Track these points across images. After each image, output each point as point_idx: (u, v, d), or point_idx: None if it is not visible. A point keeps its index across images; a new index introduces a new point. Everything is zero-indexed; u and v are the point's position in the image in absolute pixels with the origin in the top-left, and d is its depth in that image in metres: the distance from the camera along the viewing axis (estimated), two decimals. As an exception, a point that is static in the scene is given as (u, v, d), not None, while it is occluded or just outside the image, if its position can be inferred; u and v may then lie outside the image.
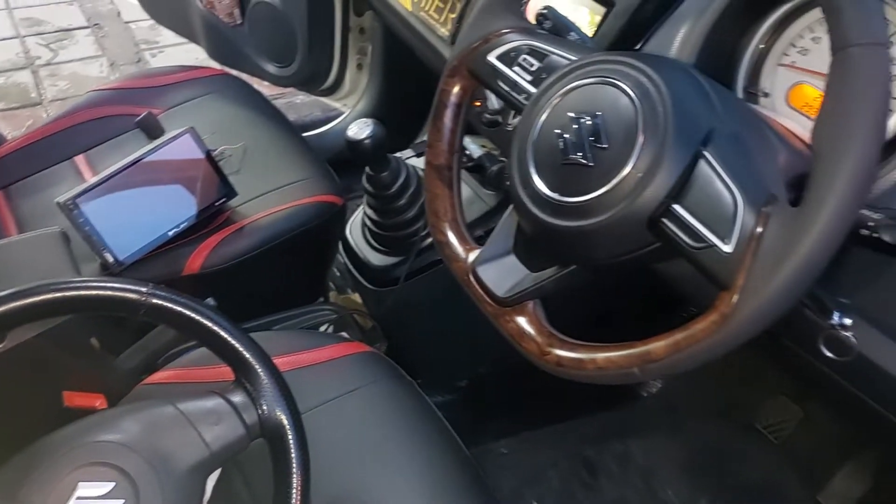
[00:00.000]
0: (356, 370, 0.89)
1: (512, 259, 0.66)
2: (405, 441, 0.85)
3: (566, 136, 0.60)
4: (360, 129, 0.94)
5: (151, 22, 2.20)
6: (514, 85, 0.68)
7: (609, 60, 0.61)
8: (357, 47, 1.82)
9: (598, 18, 0.89)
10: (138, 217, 1.04)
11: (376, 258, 1.05)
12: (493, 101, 0.97)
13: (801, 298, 0.54)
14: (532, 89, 0.67)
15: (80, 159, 1.27)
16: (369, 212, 1.03)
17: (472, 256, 0.69)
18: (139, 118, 1.21)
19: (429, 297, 1.07)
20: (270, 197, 1.15)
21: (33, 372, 0.82)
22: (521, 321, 0.64)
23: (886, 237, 0.54)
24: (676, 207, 0.55)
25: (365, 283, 1.06)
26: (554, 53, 0.67)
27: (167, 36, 2.51)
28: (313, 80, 1.84)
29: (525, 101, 0.67)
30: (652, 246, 0.57)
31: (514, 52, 0.69)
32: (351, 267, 1.08)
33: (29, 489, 0.61)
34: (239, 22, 1.81)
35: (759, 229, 0.50)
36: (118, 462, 0.63)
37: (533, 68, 0.68)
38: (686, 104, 0.57)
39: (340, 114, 1.99)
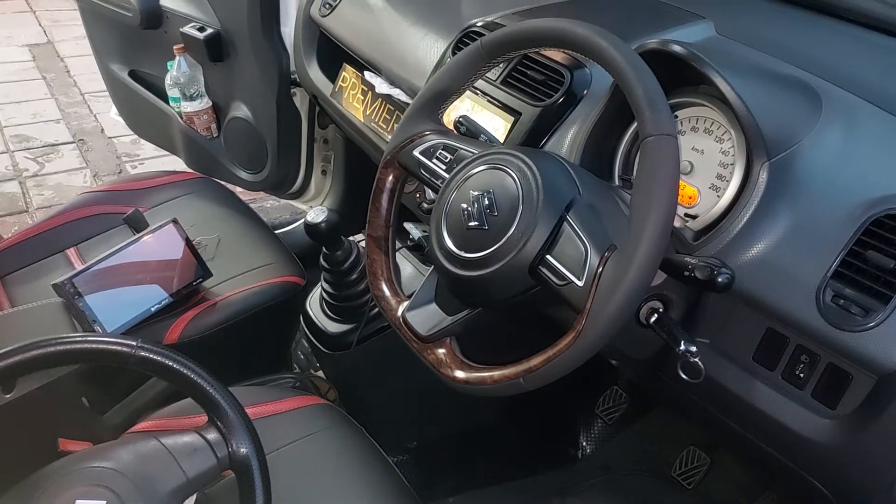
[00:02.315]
0: (312, 419, 1.04)
1: (433, 306, 0.84)
2: (356, 479, 0.99)
3: (469, 208, 0.79)
4: (317, 215, 1.13)
5: (132, 137, 2.42)
6: (434, 173, 0.88)
7: (500, 152, 0.82)
8: (322, 156, 2.03)
9: (507, 125, 1.11)
10: (125, 295, 1.20)
11: (332, 326, 1.21)
12: (429, 193, 1.17)
13: (660, 334, 0.72)
14: (446, 175, 0.87)
15: (71, 252, 1.43)
16: (326, 286, 1.20)
17: (402, 307, 0.87)
18: (127, 214, 1.38)
19: (378, 360, 1.22)
20: (241, 278, 1.32)
21: (34, 420, 0.95)
22: (440, 353, 0.81)
23: (699, 275, 0.73)
24: (548, 257, 0.73)
25: (322, 349, 1.22)
26: (462, 148, 0.88)
27: (147, 149, 2.72)
28: (282, 184, 2.04)
29: (440, 185, 0.86)
30: (534, 288, 0.75)
31: (432, 148, 0.90)
32: (309, 335, 1.24)
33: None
34: (215, 135, 2.03)
35: (600, 269, 0.69)
36: (110, 484, 0.77)
37: (447, 160, 0.88)
38: (553, 182, 0.77)
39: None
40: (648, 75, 0.71)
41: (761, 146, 0.83)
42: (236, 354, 1.29)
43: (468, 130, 0.97)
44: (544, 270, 0.74)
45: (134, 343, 0.84)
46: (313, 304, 1.25)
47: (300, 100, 1.88)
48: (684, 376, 0.80)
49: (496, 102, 1.12)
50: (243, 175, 2.02)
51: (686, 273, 0.74)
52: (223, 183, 1.71)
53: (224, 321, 1.24)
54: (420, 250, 1.17)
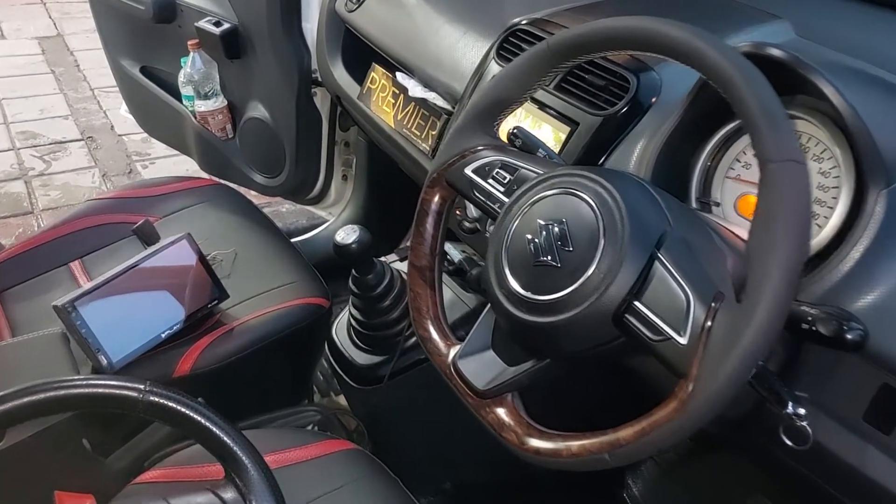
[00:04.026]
0: (341, 467, 0.92)
1: (490, 354, 0.72)
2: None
3: (536, 240, 0.67)
4: (347, 235, 1.01)
5: (143, 135, 2.32)
6: (489, 195, 0.76)
7: (571, 174, 0.69)
8: (342, 160, 1.92)
9: (562, 136, 0.98)
10: (133, 320, 1.08)
11: (361, 357, 1.09)
12: (472, 210, 1.05)
13: (760, 391, 0.60)
14: (505, 199, 0.74)
15: (75, 265, 1.31)
16: (355, 312, 1.08)
17: (453, 351, 0.75)
18: (136, 225, 1.27)
19: (412, 396, 1.10)
20: (259, 299, 1.20)
21: (27, 471, 0.84)
22: (501, 412, 0.69)
23: (822, 329, 0.60)
24: (637, 304, 0.61)
25: (350, 382, 1.10)
26: (523, 167, 0.75)
27: (158, 148, 2.62)
28: (300, 190, 1.94)
29: (499, 210, 0.74)
30: (618, 340, 0.63)
31: (488, 167, 0.77)
32: (336, 366, 1.12)
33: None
34: (230, 136, 1.92)
35: (709, 323, 0.57)
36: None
37: (505, 181, 0.76)
38: (640, 212, 0.64)
39: (325, 221, 2.07)
40: (765, 87, 0.59)
41: (879, 169, 0.70)
42: (254, 385, 1.18)
43: (524, 144, 0.85)
44: (632, 320, 0.61)
45: (142, 387, 0.73)
46: (340, 331, 1.13)
47: (321, 100, 1.77)
48: (788, 442, 0.67)
49: (549, 110, 1.00)
50: (259, 179, 1.91)
51: (805, 325, 0.61)
52: (239, 190, 1.60)
53: (242, 349, 1.12)
54: (461, 275, 1.05)
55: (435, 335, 0.77)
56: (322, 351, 1.24)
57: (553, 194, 0.69)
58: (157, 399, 0.73)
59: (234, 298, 1.19)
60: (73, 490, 0.87)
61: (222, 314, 1.17)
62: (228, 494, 0.74)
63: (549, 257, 0.65)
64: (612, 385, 0.88)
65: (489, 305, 0.74)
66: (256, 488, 0.74)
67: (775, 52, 0.75)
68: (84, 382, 0.72)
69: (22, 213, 2.39)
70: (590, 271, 0.63)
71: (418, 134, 1.24)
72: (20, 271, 1.31)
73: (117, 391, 0.73)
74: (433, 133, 1.21)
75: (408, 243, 1.20)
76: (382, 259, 1.09)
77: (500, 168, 0.76)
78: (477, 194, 0.77)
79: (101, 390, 0.72)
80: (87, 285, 1.08)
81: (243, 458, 0.75)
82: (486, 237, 1.02)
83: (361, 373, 1.08)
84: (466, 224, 1.04)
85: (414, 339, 1.06)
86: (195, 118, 1.88)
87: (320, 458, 0.93)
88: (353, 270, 1.05)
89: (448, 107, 1.20)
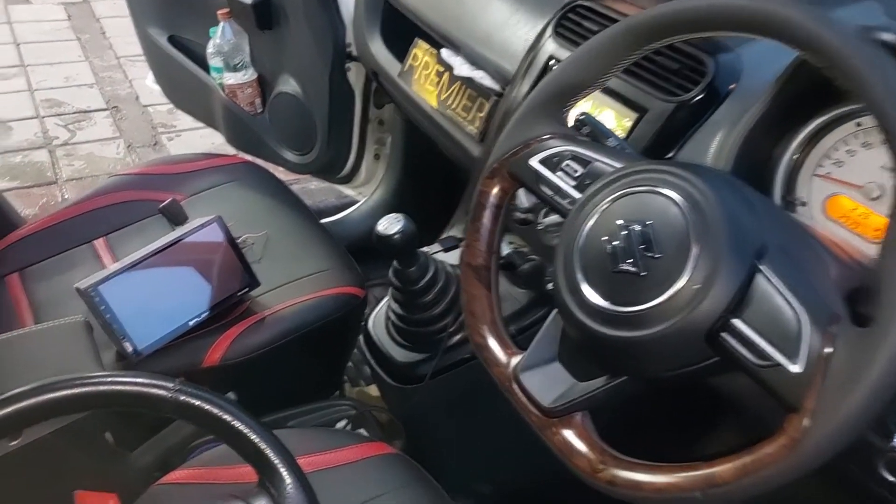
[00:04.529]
0: (382, 474, 0.86)
1: (557, 367, 0.64)
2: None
3: (615, 243, 0.59)
4: (390, 225, 0.94)
5: (169, 106, 2.26)
6: (558, 190, 0.68)
7: (655, 169, 0.61)
8: (375, 138, 1.85)
9: (627, 123, 0.90)
10: (160, 306, 1.02)
11: (400, 354, 1.02)
12: (523, 200, 0.97)
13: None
14: (576, 194, 0.67)
15: (99, 243, 1.26)
16: (395, 306, 1.02)
17: (514, 361, 0.67)
18: (163, 204, 1.21)
19: (454, 397, 1.04)
20: (292, 287, 1.14)
21: (46, 470, 0.78)
22: (569, 434, 0.61)
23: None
24: (736, 322, 0.53)
25: (387, 380, 1.03)
26: (598, 160, 0.67)
27: (184, 120, 2.56)
28: (331, 168, 1.87)
29: (569, 206, 0.66)
30: (710, 360, 0.56)
31: (556, 158, 0.69)
32: (373, 362, 1.05)
33: None
34: (259, 111, 1.85)
35: (828, 350, 0.49)
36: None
37: (577, 174, 0.68)
38: (737, 215, 0.56)
39: (355, 201, 2.00)
40: None
41: None
42: (285, 376, 1.11)
43: (592, 132, 0.77)
44: (730, 340, 0.54)
45: (171, 385, 0.66)
46: (377, 324, 1.07)
47: (355, 76, 1.69)
48: (890, 478, 0.60)
49: (614, 95, 0.92)
50: (289, 156, 1.84)
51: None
52: (270, 168, 1.53)
53: (274, 340, 1.06)
54: (511, 269, 0.98)
55: (493, 343, 0.70)
56: (355, 342, 1.18)
57: (635, 192, 0.61)
58: (187, 399, 0.67)
59: (265, 286, 1.12)
60: (94, 489, 0.82)
61: (252, 302, 1.11)
62: (261, 503, 0.67)
63: (631, 262, 0.58)
64: (693, 408, 0.81)
65: (555, 312, 0.66)
66: (291, 498, 0.68)
67: (888, 36, 0.67)
68: (109, 380, 0.66)
69: (45, 182, 2.34)
70: (681, 282, 0.55)
71: (464, 115, 1.16)
72: (43, 248, 1.26)
73: (145, 389, 0.67)
74: (480, 115, 1.13)
75: (451, 233, 1.13)
76: (425, 249, 1.01)
77: (570, 160, 0.68)
78: (543, 188, 0.69)
79: (127, 388, 0.66)
80: (111, 267, 1.02)
81: (279, 466, 0.68)
82: (540, 230, 0.94)
83: (401, 371, 1.01)
84: (518, 214, 0.96)
85: (457, 336, 0.99)
86: (223, 91, 1.81)
87: (359, 462, 0.86)
88: (395, 262, 0.98)
89: (497, 87, 1.12)
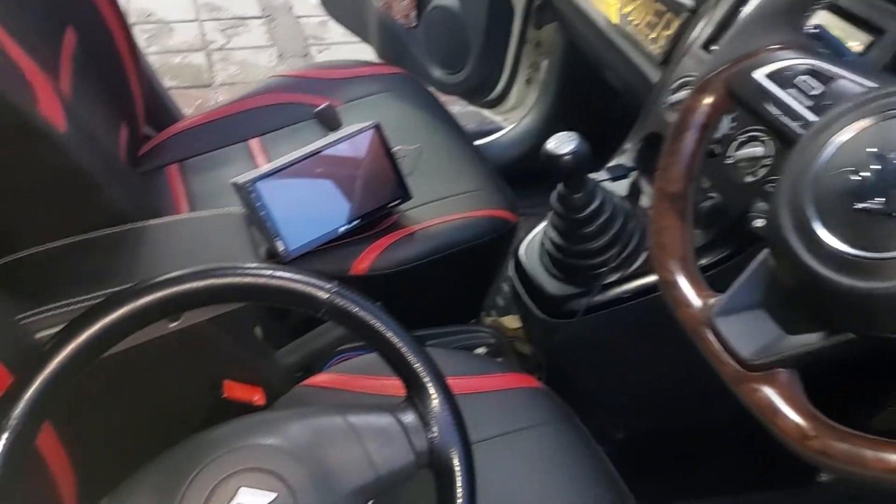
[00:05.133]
0: (527, 407, 0.81)
1: (762, 315, 0.56)
2: (574, 496, 0.76)
3: (863, 174, 0.49)
4: (562, 143, 0.86)
5: (321, 18, 2.24)
6: (788, 110, 0.58)
7: None
8: (530, 61, 1.75)
9: (857, 47, 0.76)
10: (311, 209, 1.00)
11: (552, 285, 0.96)
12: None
13: None
14: (811, 116, 0.56)
15: (254, 143, 1.26)
16: (552, 234, 0.94)
17: (709, 305, 0.59)
18: (319, 108, 1.18)
19: (603, 337, 0.97)
20: (443, 204, 1.09)
21: (199, 356, 0.79)
22: (771, 393, 0.53)
23: None
24: None
25: (535, 311, 0.97)
26: (844, 77, 0.56)
27: (335, 34, 2.55)
28: (479, 89, 1.79)
29: (801, 130, 0.56)
30: None
31: (789, 72, 0.59)
32: (521, 291, 0.99)
33: (190, 486, 0.56)
34: (413, 24, 1.79)
35: None
36: (282, 472, 0.58)
37: (813, 92, 0.57)
38: None
39: (498, 128, 1.92)
40: None
41: None
42: (427, 295, 1.08)
43: (825, 47, 0.65)
44: None
45: (329, 286, 0.63)
46: (530, 252, 1.00)
47: (517, -9, 1.59)
48: None
49: (841, 12, 0.78)
50: (438, 73, 1.78)
51: None
52: (423, 83, 1.47)
53: (421, 256, 1.02)
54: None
55: (683, 281, 0.62)
56: (502, 269, 1.12)
57: (890, 116, 0.50)
58: (343, 303, 0.64)
59: (415, 200, 1.08)
60: (242, 381, 0.82)
61: (402, 215, 1.07)
62: (408, 418, 0.64)
63: (882, 201, 0.48)
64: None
65: (765, 253, 0.57)
66: (440, 418, 0.64)
67: None
68: (269, 273, 0.64)
69: (201, 85, 2.40)
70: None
71: (647, 33, 1.05)
72: (201, 142, 1.27)
73: (302, 287, 0.64)
74: (666, 33, 1.02)
75: (617, 162, 1.04)
76: (593, 176, 0.93)
77: (806, 75, 0.58)
78: (768, 107, 0.59)
79: (285, 283, 0.64)
80: (268, 166, 1.01)
81: (429, 384, 0.65)
82: (728, 164, 0.84)
83: (551, 303, 0.95)
84: (704, 145, 0.86)
85: (617, 274, 0.91)
86: (378, 2, 1.76)
87: (504, 391, 0.82)
88: (560, 186, 0.90)
89: (690, 1, 0.99)
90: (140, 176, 1.20)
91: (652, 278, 0.87)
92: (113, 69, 1.14)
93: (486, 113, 1.96)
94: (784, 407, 0.52)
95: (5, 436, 0.54)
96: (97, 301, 0.59)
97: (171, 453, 0.60)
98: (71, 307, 0.70)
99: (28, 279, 0.74)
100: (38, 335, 0.69)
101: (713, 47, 0.88)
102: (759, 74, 0.59)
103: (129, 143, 1.23)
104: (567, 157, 0.85)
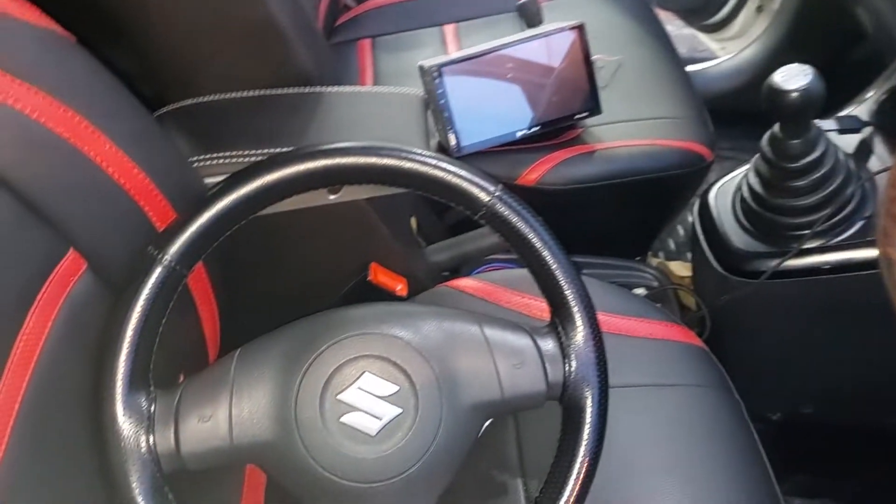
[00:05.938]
0: (680, 362, 0.73)
1: None
2: (716, 466, 0.68)
3: None
4: (791, 77, 0.73)
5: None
6: None
7: None
8: (767, -14, 1.55)
9: None
10: (492, 107, 0.94)
11: (739, 238, 0.84)
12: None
13: None
14: None
15: (449, 28, 1.21)
16: (754, 181, 0.82)
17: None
18: (522, 1, 1.10)
19: (785, 307, 0.85)
20: (633, 126, 0.99)
21: (350, 234, 0.78)
22: None
23: None
24: None
25: (713, 262, 0.87)
26: None
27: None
28: (702, 10, 1.65)
29: None
30: None
31: None
32: (701, 237, 0.89)
33: (317, 358, 0.55)
34: (643, -73, 1.63)
35: None
36: (408, 368, 0.55)
37: None
38: None
39: (711, 57, 1.74)
40: None
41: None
42: (595, 222, 1.00)
43: None
44: None
45: (493, 189, 0.59)
46: (721, 196, 0.89)
47: None
48: None
49: None
50: (660, -16, 1.62)
51: None
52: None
53: (598, 177, 0.94)
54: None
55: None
56: (684, 209, 1.02)
57: None
58: (503, 209, 0.59)
59: (604, 116, 0.98)
60: (388, 267, 0.80)
61: (586, 130, 0.99)
62: (548, 345, 0.59)
63: None
64: None
65: None
66: (582, 353, 0.59)
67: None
68: (434, 163, 0.60)
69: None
70: None
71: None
72: (396, 21, 1.25)
73: (465, 185, 0.59)
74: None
75: (847, 112, 0.89)
76: (818, 122, 0.79)
77: None
78: None
79: (449, 177, 0.60)
80: (456, 54, 0.95)
81: (577, 313, 0.59)
82: None
83: (734, 257, 0.84)
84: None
85: (822, 240, 0.79)
86: None
87: (656, 340, 0.74)
88: (777, 127, 0.78)
89: None
90: (332, 45, 1.20)
91: (867, 253, 0.75)
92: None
93: (702, 38, 1.79)
94: None
95: (158, 270, 0.55)
96: (262, 158, 0.59)
97: (307, 322, 0.59)
98: (240, 159, 0.71)
99: (205, 125, 0.75)
100: (207, 180, 0.70)
101: None
102: None
103: (329, 10, 1.23)
104: (795, 93, 0.72)
